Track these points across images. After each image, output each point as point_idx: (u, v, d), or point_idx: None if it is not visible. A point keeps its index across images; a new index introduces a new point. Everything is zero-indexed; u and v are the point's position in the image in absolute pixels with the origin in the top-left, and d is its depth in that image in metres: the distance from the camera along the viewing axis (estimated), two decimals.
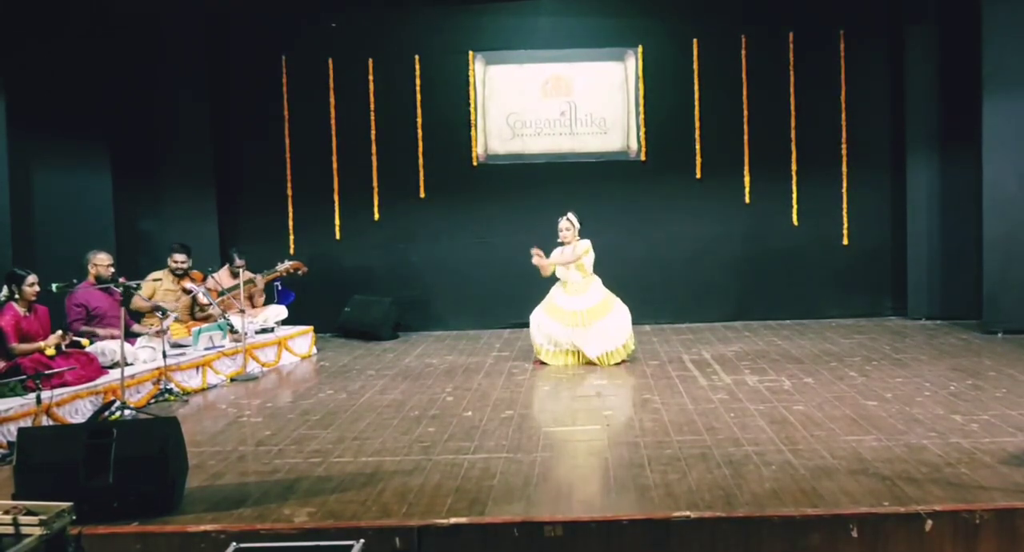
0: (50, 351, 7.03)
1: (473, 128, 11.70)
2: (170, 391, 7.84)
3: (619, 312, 8.95)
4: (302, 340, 10.11)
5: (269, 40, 11.69)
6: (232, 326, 9.03)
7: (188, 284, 9.38)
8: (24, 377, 6.55)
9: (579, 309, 8.87)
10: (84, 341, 7.58)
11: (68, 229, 9.80)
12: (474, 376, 8.58)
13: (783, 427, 6.20)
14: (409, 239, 11.79)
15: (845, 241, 11.64)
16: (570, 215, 9.02)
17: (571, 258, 8.93)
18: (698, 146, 11.60)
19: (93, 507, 4.58)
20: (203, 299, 9.39)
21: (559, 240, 9.05)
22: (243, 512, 4.78)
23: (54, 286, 7.38)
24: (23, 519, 4.05)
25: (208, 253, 10.79)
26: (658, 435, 6.11)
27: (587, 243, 8.96)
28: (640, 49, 11.63)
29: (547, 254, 9.07)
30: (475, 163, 11.74)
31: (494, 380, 8.34)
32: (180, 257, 9.36)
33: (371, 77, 11.68)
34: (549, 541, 4.46)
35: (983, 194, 10.19)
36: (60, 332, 7.28)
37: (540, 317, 9.02)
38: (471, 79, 11.69)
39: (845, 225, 11.63)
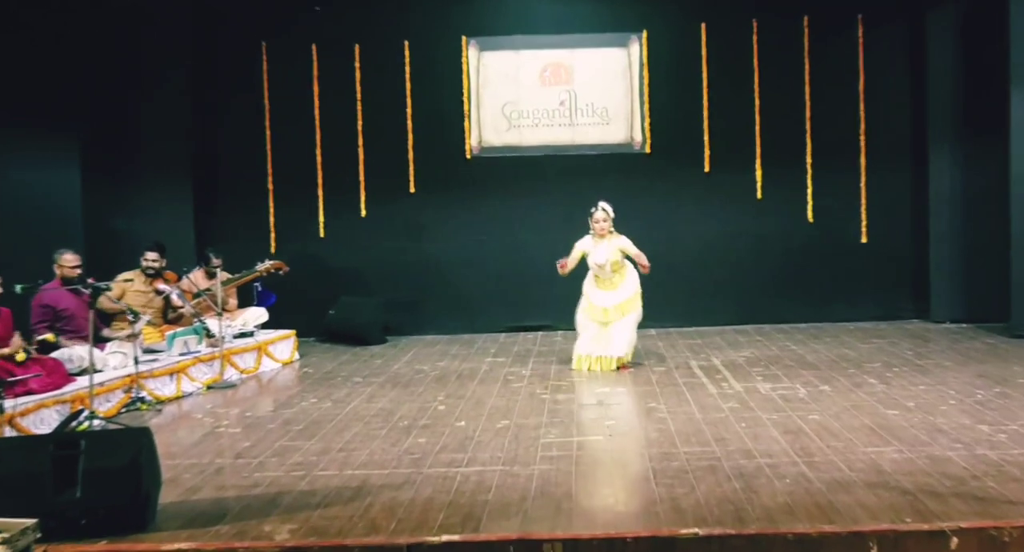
0: (20, 356, 7.01)
1: (466, 119, 11.70)
2: (142, 399, 7.82)
3: (636, 315, 9.05)
4: (284, 345, 10.10)
5: (249, 25, 11.67)
6: (208, 330, 9.02)
7: (161, 285, 9.36)
8: None
9: (609, 305, 8.99)
10: (50, 336, 7.52)
11: (34, 227, 9.77)
12: (468, 383, 8.57)
13: (797, 438, 6.20)
14: (398, 237, 11.77)
15: (863, 239, 11.66)
16: (605, 205, 9.03)
17: (645, 261, 8.93)
18: (706, 138, 11.61)
19: (60, 524, 4.57)
20: (177, 301, 9.39)
21: (593, 232, 9.01)
22: (221, 529, 4.77)
23: (18, 287, 7.34)
24: None
25: (184, 252, 10.76)
26: (664, 446, 6.11)
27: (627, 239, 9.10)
28: (644, 34, 11.63)
29: (569, 247, 9.12)
30: (469, 156, 11.74)
31: (489, 387, 8.33)
32: (152, 255, 9.34)
33: (357, 64, 11.68)
34: None
35: (1010, 188, 10.22)
36: (24, 342, 7.26)
37: (582, 320, 9.14)
38: (464, 66, 11.69)
39: (863, 222, 11.64)
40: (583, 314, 9.14)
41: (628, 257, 9.06)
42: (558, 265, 8.99)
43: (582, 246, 9.10)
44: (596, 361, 8.99)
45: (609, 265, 8.98)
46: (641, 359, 9.39)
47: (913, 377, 8.15)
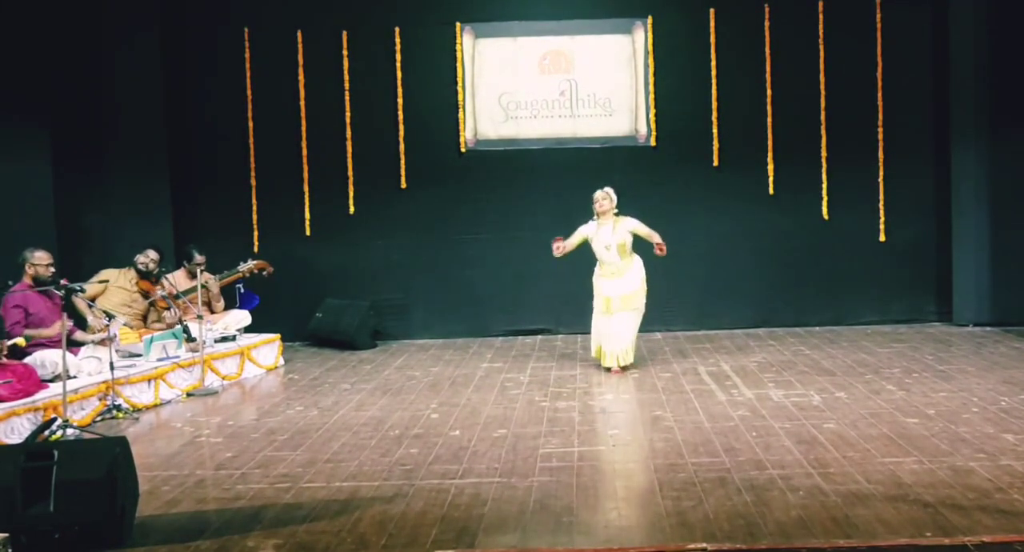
0: None
1: (461, 110, 11.69)
2: (118, 407, 7.83)
3: (638, 312, 9.26)
4: (268, 349, 10.11)
5: (230, 10, 11.66)
6: (188, 334, 9.03)
7: (151, 289, 9.43)
8: None
9: (613, 295, 9.18)
10: (20, 340, 7.55)
11: (1, 224, 9.77)
12: (463, 390, 8.59)
13: (812, 448, 6.22)
14: (389, 235, 11.77)
15: (882, 237, 11.66)
16: (609, 189, 9.29)
17: (659, 239, 9.15)
18: (715, 130, 11.62)
19: (32, 539, 4.59)
20: (164, 304, 9.42)
21: (596, 210, 9.23)
22: (201, 544, 4.78)
23: None
24: None
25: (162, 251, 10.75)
26: (671, 457, 6.13)
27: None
28: (650, 20, 11.64)
29: (570, 232, 9.34)
30: (463, 149, 11.74)
31: (485, 395, 8.35)
32: (154, 254, 9.52)
33: (345, 52, 11.67)
34: None
35: None
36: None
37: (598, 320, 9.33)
38: (458, 54, 11.69)
39: (882, 219, 11.64)
40: (595, 304, 9.36)
41: (639, 239, 9.27)
42: (553, 244, 9.19)
43: (584, 230, 9.33)
44: (600, 352, 9.28)
45: (616, 248, 9.16)
46: (646, 364, 9.41)
47: (934, 383, 8.17)
